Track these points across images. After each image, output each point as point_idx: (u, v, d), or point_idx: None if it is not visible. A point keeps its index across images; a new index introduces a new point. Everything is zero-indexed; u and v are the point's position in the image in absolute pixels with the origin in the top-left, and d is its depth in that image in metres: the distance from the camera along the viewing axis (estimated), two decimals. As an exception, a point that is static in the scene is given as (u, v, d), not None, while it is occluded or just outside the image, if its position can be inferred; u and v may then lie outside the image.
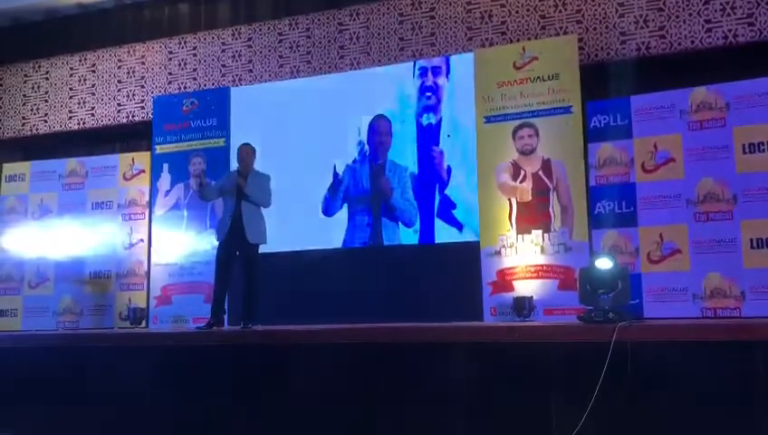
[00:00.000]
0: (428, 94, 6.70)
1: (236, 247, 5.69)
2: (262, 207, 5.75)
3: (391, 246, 6.64)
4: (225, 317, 6.76)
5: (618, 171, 5.99)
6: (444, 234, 6.51)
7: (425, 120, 6.70)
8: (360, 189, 6.83)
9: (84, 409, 4.94)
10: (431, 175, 6.62)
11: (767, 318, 4.85)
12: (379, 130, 6.85)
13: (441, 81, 6.69)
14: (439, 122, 6.67)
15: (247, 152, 5.83)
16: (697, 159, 5.71)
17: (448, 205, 6.52)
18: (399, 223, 6.66)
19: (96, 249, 7.53)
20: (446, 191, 6.54)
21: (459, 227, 6.46)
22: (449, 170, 6.55)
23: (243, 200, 5.62)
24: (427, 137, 6.68)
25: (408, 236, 6.63)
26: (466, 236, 6.42)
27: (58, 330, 7.28)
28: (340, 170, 6.86)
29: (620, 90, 6.25)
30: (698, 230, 5.64)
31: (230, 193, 5.71)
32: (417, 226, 6.59)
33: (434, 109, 6.69)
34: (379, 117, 6.86)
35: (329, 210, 6.89)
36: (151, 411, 4.79)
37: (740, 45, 6.05)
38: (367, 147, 6.84)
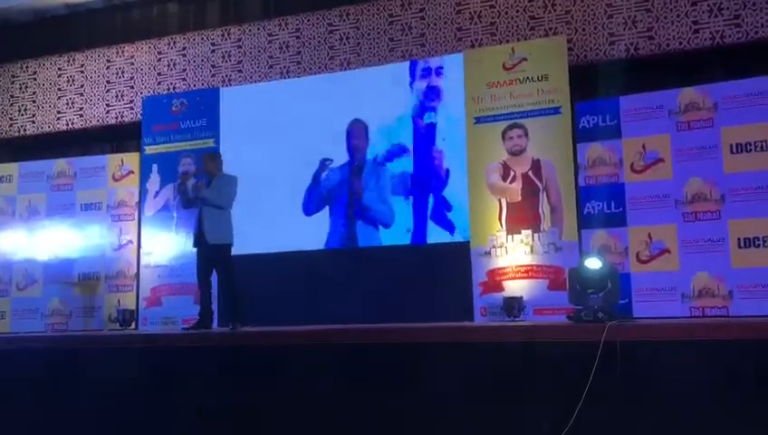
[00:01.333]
0: (431, 96, 6.69)
1: (205, 251, 5.81)
2: (225, 210, 5.83)
3: (381, 247, 6.64)
4: (215, 318, 6.80)
5: (607, 172, 6.02)
6: (436, 235, 6.50)
7: (426, 120, 6.70)
8: (339, 192, 6.86)
9: (74, 411, 4.91)
10: (429, 176, 6.61)
11: (755, 317, 4.89)
12: (354, 135, 6.88)
13: (441, 81, 6.69)
14: (435, 123, 6.70)
15: (207, 160, 6.00)
16: (686, 159, 5.75)
17: (444, 207, 6.51)
18: (378, 225, 6.68)
19: (85, 251, 7.50)
20: (444, 192, 6.53)
21: (452, 230, 6.46)
22: (447, 172, 6.55)
23: (203, 205, 5.77)
24: (427, 137, 6.67)
25: (387, 236, 6.64)
26: (457, 237, 6.42)
27: (47, 332, 7.24)
28: (323, 171, 6.90)
29: (609, 90, 6.28)
30: (687, 230, 5.68)
31: (195, 199, 5.87)
32: (411, 225, 6.57)
33: (434, 109, 6.69)
34: (355, 121, 6.90)
35: (308, 209, 6.91)
36: (141, 413, 4.77)
37: (727, 46, 6.09)
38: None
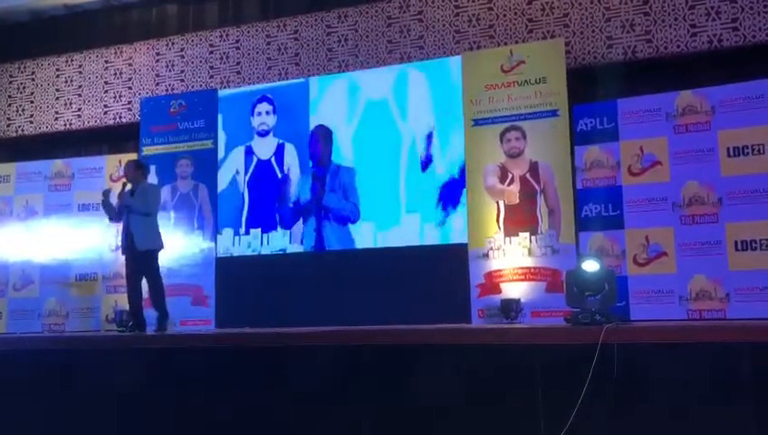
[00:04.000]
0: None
1: (134, 257, 5.93)
2: (151, 216, 6.00)
3: (380, 248, 6.65)
4: (213, 320, 6.82)
5: (604, 174, 6.02)
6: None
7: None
8: (305, 199, 6.94)
9: (70, 412, 4.91)
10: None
11: (752, 320, 4.90)
12: (317, 139, 6.96)
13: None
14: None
15: (131, 168, 6.11)
16: (683, 162, 5.76)
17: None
18: (346, 223, 6.75)
19: (82, 251, 7.47)
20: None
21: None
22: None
23: (130, 214, 5.91)
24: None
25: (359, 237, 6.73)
26: (451, 238, 6.44)
27: (43, 333, 7.23)
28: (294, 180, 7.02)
29: (607, 93, 6.31)
30: (684, 233, 5.68)
31: (124, 208, 5.99)
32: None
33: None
34: (318, 126, 6.97)
35: (285, 223, 6.99)
36: (138, 414, 4.77)
37: (725, 50, 6.11)
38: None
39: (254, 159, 7.22)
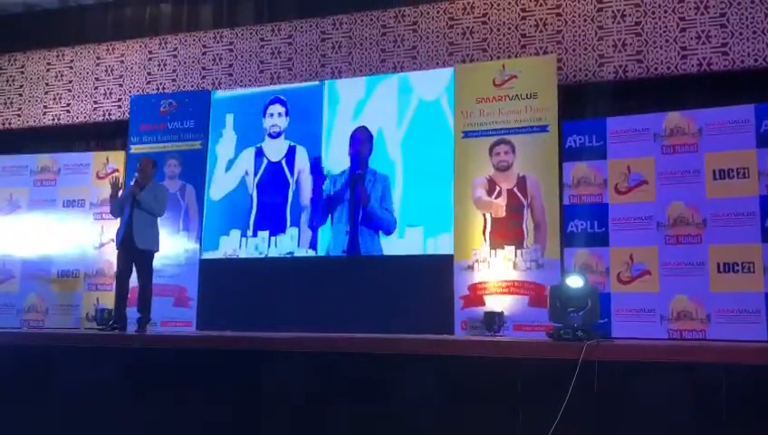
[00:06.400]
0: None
1: (130, 253, 5.89)
2: (156, 217, 6.01)
3: (365, 256, 6.63)
4: (194, 321, 6.77)
5: (591, 191, 6.06)
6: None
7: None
8: (342, 199, 6.83)
9: (46, 409, 4.85)
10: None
11: (731, 341, 4.94)
12: (359, 140, 6.87)
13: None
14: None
15: (146, 164, 6.08)
16: (669, 182, 5.81)
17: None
18: (379, 232, 6.66)
19: (65, 248, 7.41)
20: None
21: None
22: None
23: (136, 208, 5.85)
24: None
25: (388, 244, 6.63)
26: (433, 249, 6.45)
27: (22, 328, 7.15)
28: (325, 182, 6.90)
29: (597, 111, 6.36)
30: (668, 253, 5.73)
31: (127, 202, 5.93)
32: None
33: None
34: (360, 128, 6.88)
35: (313, 221, 6.87)
36: (113, 412, 4.72)
37: (714, 73, 6.19)
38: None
39: (265, 161, 7.15)
